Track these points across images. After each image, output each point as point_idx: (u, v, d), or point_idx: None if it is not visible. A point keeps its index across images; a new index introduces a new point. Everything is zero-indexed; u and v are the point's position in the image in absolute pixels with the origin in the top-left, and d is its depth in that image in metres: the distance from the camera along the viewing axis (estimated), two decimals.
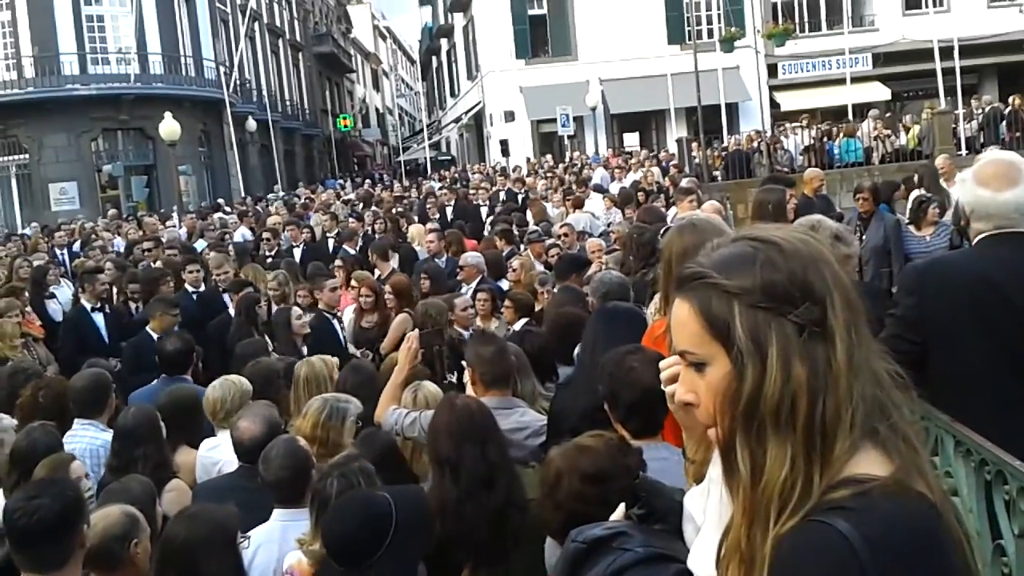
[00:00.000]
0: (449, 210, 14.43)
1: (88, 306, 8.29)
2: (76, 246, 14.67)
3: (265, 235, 11.84)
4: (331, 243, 11.93)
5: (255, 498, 3.58)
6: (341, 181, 31.22)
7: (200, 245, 13.29)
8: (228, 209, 19.52)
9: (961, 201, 3.10)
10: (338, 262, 9.62)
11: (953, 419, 2.73)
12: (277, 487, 3.44)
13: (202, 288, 8.97)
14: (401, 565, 2.83)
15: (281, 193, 23.65)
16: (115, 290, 9.24)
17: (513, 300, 6.56)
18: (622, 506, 1.68)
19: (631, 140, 31.21)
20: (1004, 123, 20.91)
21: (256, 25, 37.51)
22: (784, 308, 1.21)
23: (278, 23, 41.93)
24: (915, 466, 1.21)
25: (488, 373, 3.75)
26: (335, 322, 7.21)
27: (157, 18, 28.86)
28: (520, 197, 16.99)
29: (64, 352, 7.91)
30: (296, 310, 6.82)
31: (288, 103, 41.78)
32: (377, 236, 11.38)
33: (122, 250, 13.14)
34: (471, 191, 16.86)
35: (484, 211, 14.82)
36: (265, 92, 36.50)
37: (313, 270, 9.92)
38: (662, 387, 1.41)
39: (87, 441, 4.88)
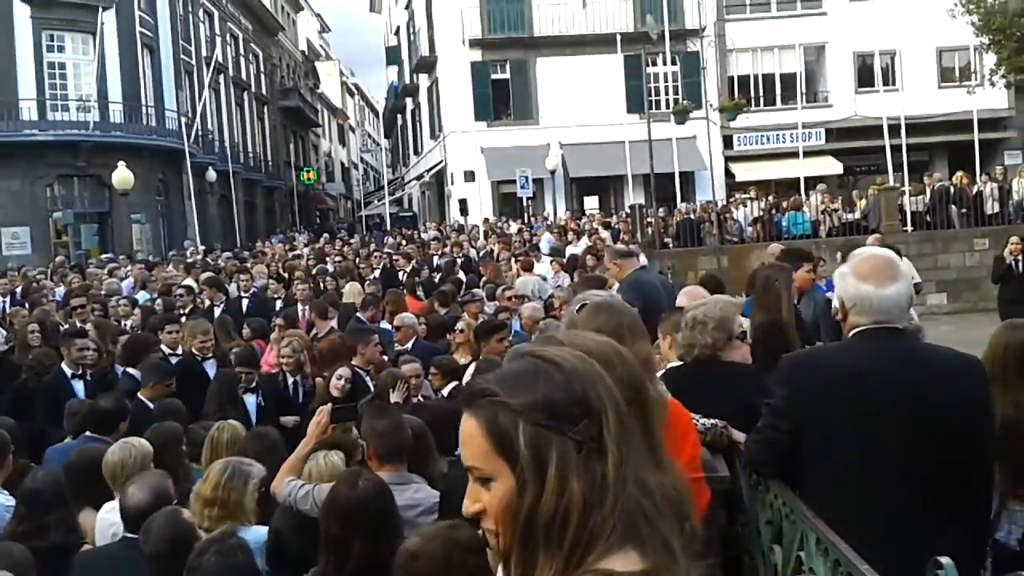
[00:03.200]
0: (376, 273, 14.34)
1: (68, 372, 7.55)
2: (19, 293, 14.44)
3: (178, 292, 11.59)
4: (245, 302, 11.67)
5: (138, 570, 3.49)
6: (290, 234, 30.99)
7: (143, 296, 13.16)
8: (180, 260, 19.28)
9: (841, 295, 3.13)
10: (279, 320, 9.53)
11: (818, 514, 2.74)
12: (154, 560, 3.35)
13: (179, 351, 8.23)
14: None
15: (190, 248, 23.14)
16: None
17: (439, 365, 6.54)
18: None
19: (591, 204, 31.63)
20: (951, 202, 21.48)
21: (221, 77, 37.66)
22: (564, 426, 1.25)
23: (244, 76, 42.14)
24: (669, 569, 1.25)
25: (382, 447, 3.71)
26: (367, 379, 7.00)
27: (120, 67, 28.87)
28: (473, 258, 17.07)
29: (37, 425, 6.98)
30: (343, 371, 6.42)
31: (251, 155, 41.81)
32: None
33: (61, 299, 12.91)
34: (394, 255, 16.81)
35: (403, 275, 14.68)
36: (227, 143, 36.51)
37: (255, 325, 9.85)
38: None
39: None
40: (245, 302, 11.68)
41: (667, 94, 30.31)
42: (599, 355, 1.34)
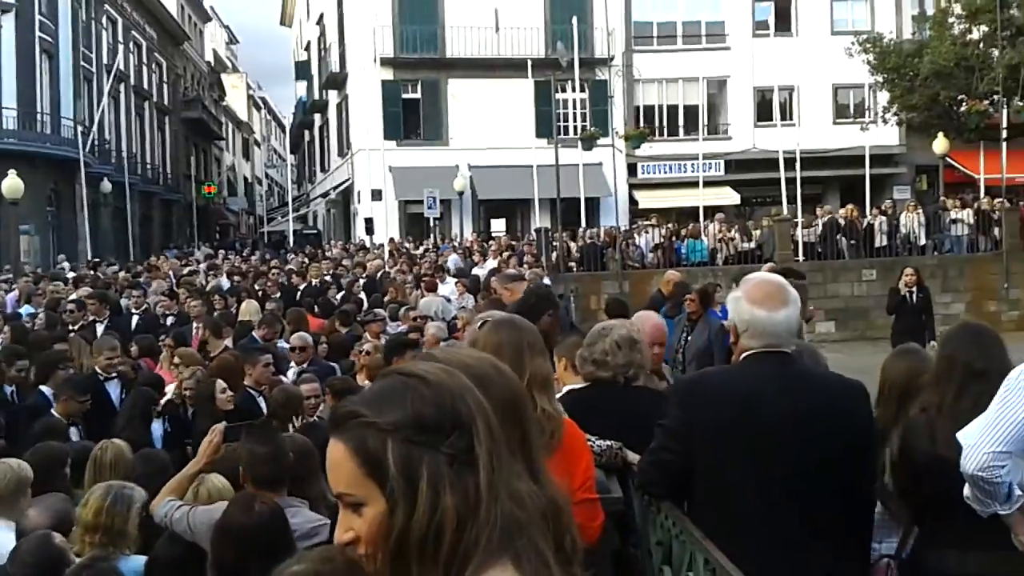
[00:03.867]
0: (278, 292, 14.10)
1: None
2: None
3: (69, 307, 11.19)
4: (135, 319, 11.36)
5: None
6: (186, 249, 30.23)
7: (27, 310, 12.61)
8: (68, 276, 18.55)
9: (734, 319, 3.19)
10: (168, 339, 9.25)
11: (708, 534, 2.77)
12: None
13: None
14: None
15: (66, 264, 22.23)
16: None
17: (331, 386, 6.43)
18: None
19: (498, 226, 31.79)
20: (840, 234, 22.37)
21: (122, 86, 36.56)
22: (435, 440, 1.23)
23: (146, 86, 41.01)
24: None
25: (260, 474, 3.58)
26: (261, 400, 6.71)
27: (16, 72, 27.78)
28: (379, 277, 16.91)
29: None
30: (220, 383, 6.28)
31: (149, 166, 40.63)
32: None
33: None
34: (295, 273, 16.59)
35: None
36: (125, 154, 35.39)
37: (144, 343, 9.53)
38: None
39: None
40: (135, 318, 11.28)
41: (575, 120, 30.74)
42: (477, 371, 1.32)
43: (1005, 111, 23.29)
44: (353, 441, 1.25)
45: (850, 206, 23.84)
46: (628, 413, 3.73)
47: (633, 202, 31.42)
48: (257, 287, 14.42)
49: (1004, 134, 23.50)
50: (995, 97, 23.68)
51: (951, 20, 25.91)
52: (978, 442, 2.85)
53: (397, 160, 30.35)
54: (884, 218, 22.57)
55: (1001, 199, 22.94)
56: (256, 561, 2.95)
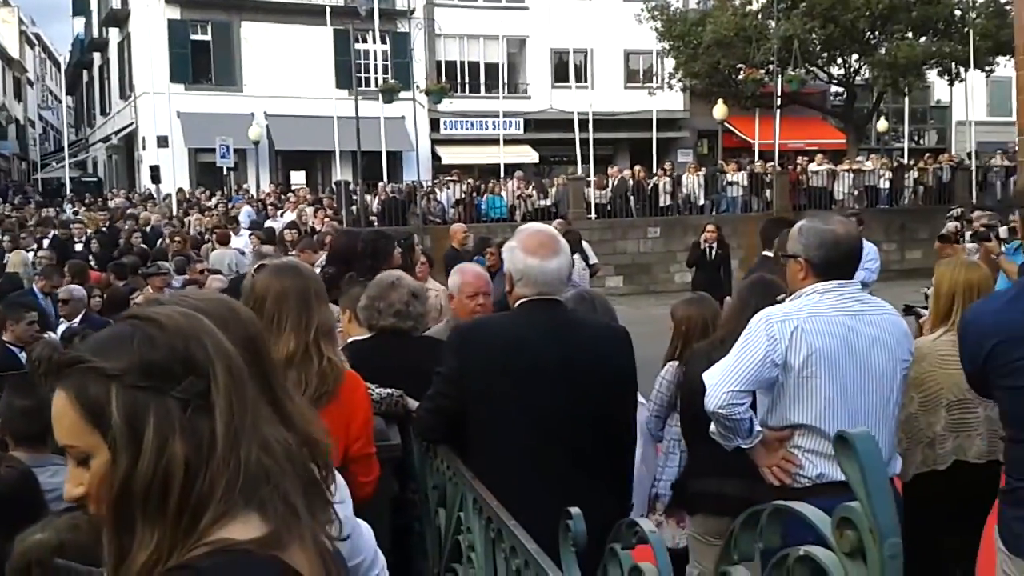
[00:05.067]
0: (46, 242, 13.22)
1: None
2: None
3: None
4: None
5: None
6: None
7: None
8: None
9: (509, 268, 3.29)
10: None
11: (482, 476, 2.86)
12: None
13: None
14: None
15: None
16: None
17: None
18: None
19: (297, 178, 30.92)
20: (629, 193, 23.39)
21: None
22: (166, 385, 1.17)
23: None
24: (290, 529, 1.21)
25: (19, 429, 3.37)
26: (23, 356, 6.19)
27: None
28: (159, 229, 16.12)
29: None
30: None
31: None
32: None
33: None
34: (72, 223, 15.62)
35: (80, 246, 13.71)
36: None
37: None
38: None
39: None
40: None
41: (376, 72, 30.26)
42: (213, 313, 1.28)
43: (779, 80, 24.95)
44: (74, 388, 1.17)
45: (638, 167, 24.93)
46: (412, 362, 3.78)
47: (436, 158, 31.43)
48: (38, 235, 13.43)
49: (777, 102, 25.20)
50: (770, 67, 25.32)
51: None
52: (719, 382, 3.10)
53: (185, 105, 28.79)
54: (668, 179, 23.75)
55: (773, 163, 24.64)
56: (0, 526, 2.77)
